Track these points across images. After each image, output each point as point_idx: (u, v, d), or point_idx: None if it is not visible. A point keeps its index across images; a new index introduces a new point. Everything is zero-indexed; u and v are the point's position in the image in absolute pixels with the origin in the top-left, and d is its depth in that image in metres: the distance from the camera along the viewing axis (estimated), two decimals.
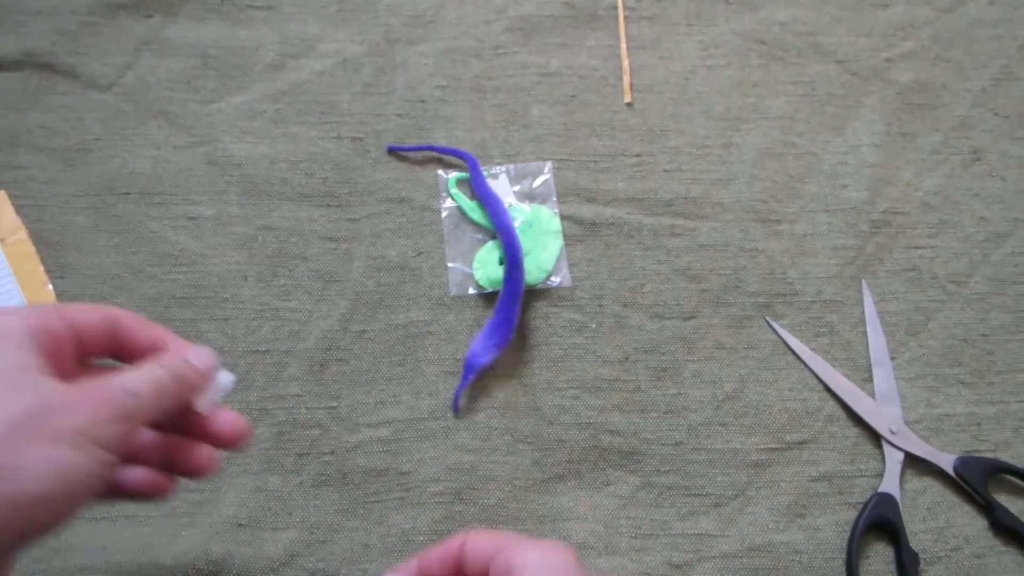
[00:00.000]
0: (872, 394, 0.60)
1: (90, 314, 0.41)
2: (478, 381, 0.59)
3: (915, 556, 0.54)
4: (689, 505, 0.57)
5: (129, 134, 0.65)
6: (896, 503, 0.56)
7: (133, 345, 0.42)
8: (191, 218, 0.63)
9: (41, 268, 0.61)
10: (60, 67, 0.67)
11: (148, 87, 0.67)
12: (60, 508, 0.34)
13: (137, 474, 0.41)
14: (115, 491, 0.40)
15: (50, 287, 0.60)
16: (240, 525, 0.55)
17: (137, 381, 0.38)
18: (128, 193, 0.64)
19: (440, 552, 0.42)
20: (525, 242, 0.62)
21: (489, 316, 0.60)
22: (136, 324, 0.42)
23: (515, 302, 0.59)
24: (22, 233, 0.62)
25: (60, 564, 0.53)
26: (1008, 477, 0.58)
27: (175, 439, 0.42)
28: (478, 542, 0.41)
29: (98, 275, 0.61)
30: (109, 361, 0.42)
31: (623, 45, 0.70)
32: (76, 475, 0.34)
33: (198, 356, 0.42)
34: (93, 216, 0.63)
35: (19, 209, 0.63)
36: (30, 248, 0.62)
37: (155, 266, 0.62)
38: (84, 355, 0.41)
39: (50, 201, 0.63)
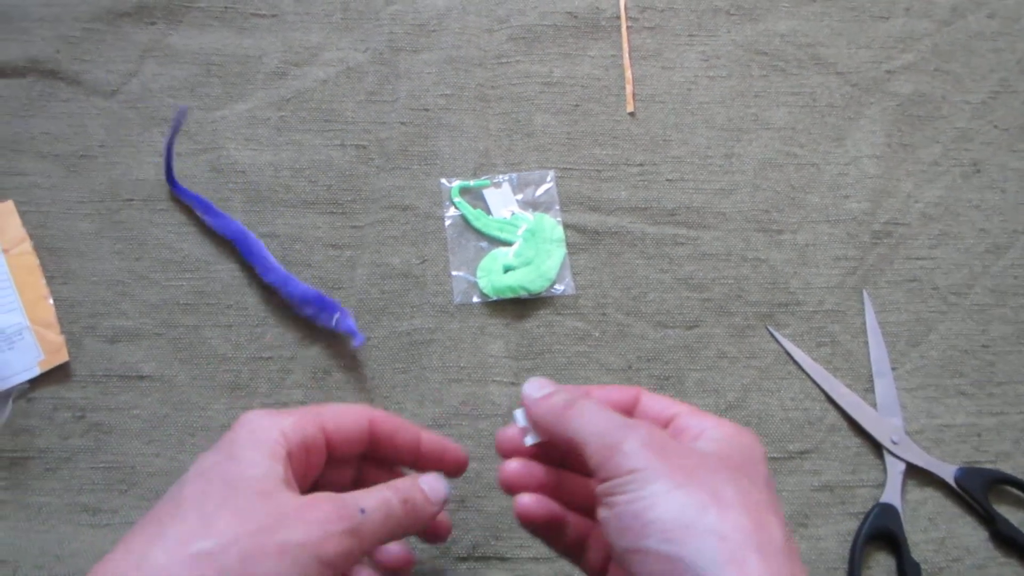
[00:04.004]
0: (874, 404, 0.60)
1: (348, 419, 0.43)
2: (481, 389, 0.59)
3: (916, 566, 0.55)
4: None
5: (133, 141, 0.65)
6: (898, 513, 0.56)
7: (389, 448, 0.44)
8: (195, 224, 0.63)
9: (43, 281, 0.61)
10: (64, 74, 0.67)
11: (151, 94, 0.67)
12: None
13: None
14: None
15: (50, 301, 0.60)
16: None
17: (368, 500, 0.39)
18: (132, 200, 0.64)
19: (615, 392, 0.43)
20: (528, 250, 0.62)
21: (491, 324, 0.61)
22: (393, 426, 0.44)
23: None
24: (27, 245, 0.61)
25: (62, 571, 0.53)
26: (1009, 488, 0.58)
27: None
28: (654, 401, 0.43)
29: (101, 281, 0.61)
30: None
31: (625, 55, 0.70)
32: None
33: (431, 485, 0.42)
34: (97, 222, 0.63)
35: (22, 215, 0.62)
36: (33, 260, 0.61)
37: (159, 272, 0.62)
38: (336, 460, 0.43)
39: (53, 207, 0.63)
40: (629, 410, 0.43)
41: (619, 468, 0.36)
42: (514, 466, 0.43)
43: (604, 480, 0.37)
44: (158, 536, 0.35)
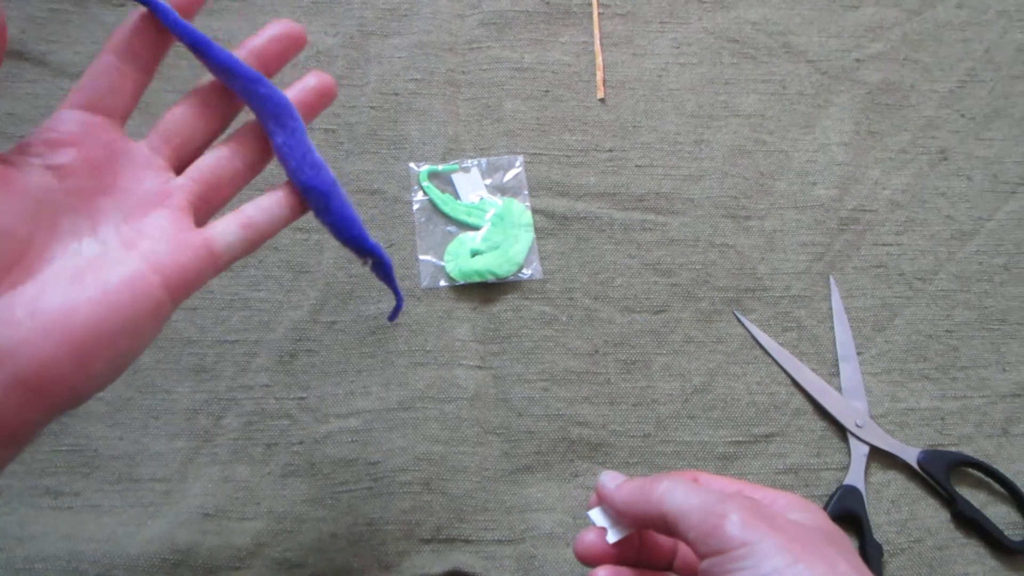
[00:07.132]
0: (839, 388, 0.61)
1: None
2: (447, 372, 0.59)
3: (879, 547, 0.55)
4: None
5: None
6: (861, 495, 0.57)
7: None
8: None
9: None
10: (30, 55, 0.66)
11: None
12: None
13: None
14: None
15: None
16: (207, 515, 0.55)
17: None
18: None
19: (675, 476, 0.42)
20: (496, 235, 0.62)
21: (458, 308, 0.61)
22: None
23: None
24: None
25: (23, 553, 0.52)
26: (970, 470, 0.59)
27: None
28: (713, 480, 0.42)
29: None
30: None
31: (597, 42, 0.70)
32: None
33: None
34: None
35: None
36: None
37: None
38: None
39: None
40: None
41: (730, 541, 0.34)
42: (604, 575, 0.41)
43: (711, 555, 0.35)
44: None
